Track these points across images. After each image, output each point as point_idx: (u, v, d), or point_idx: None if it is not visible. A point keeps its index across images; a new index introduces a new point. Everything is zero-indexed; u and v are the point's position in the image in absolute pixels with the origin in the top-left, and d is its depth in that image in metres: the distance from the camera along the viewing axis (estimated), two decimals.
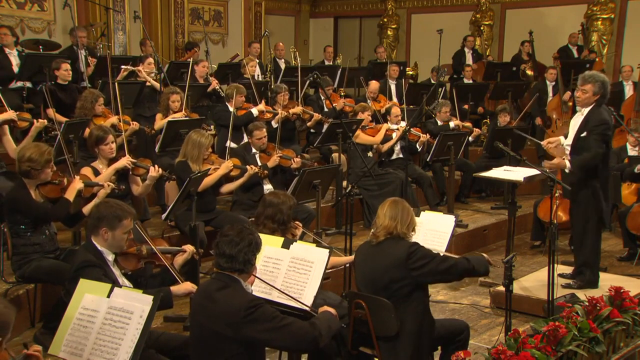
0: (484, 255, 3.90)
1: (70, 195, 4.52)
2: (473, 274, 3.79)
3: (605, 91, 5.11)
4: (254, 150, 6.26)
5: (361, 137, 7.37)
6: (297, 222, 4.38)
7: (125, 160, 5.11)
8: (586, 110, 5.15)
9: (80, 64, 7.90)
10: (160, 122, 6.65)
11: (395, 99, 9.54)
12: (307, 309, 3.40)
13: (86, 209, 4.53)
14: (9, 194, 4.40)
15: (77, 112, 6.17)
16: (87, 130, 5.75)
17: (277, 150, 6.33)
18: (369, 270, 3.67)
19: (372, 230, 3.78)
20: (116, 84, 6.23)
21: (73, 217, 4.59)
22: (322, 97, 8.40)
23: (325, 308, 3.36)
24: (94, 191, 4.73)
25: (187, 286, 3.56)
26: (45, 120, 5.68)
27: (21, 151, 4.44)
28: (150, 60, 7.77)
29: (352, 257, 4.25)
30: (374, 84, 8.99)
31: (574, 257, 5.63)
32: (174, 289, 3.52)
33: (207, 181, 5.51)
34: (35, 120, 5.64)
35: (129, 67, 7.59)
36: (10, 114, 5.59)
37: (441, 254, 3.72)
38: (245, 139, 6.61)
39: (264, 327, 2.94)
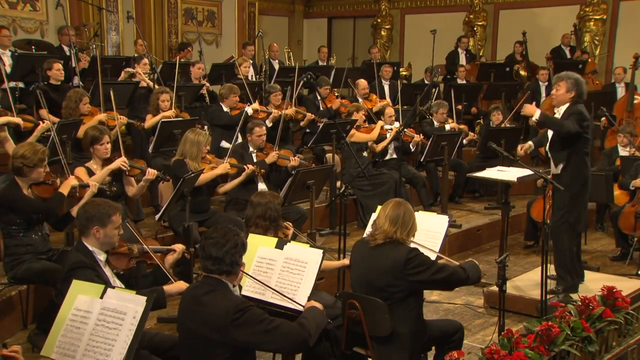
0: (475, 261, 3.82)
1: (64, 189, 4.51)
2: (467, 283, 3.74)
3: (580, 89, 5.19)
4: (251, 148, 6.26)
5: (357, 135, 7.36)
6: (287, 223, 4.38)
7: (120, 161, 5.09)
8: (563, 109, 5.26)
9: (72, 63, 7.85)
10: (150, 120, 6.62)
11: (388, 100, 9.55)
12: (301, 308, 3.38)
13: (74, 211, 4.48)
14: (0, 193, 4.37)
15: (62, 112, 6.15)
16: (82, 128, 5.75)
17: (275, 148, 6.37)
18: (365, 271, 3.65)
19: (370, 229, 3.76)
20: (101, 84, 6.22)
21: (62, 219, 4.56)
22: (318, 98, 8.41)
23: (312, 303, 3.32)
24: (82, 193, 4.70)
25: (180, 285, 3.53)
26: (49, 122, 5.66)
27: (15, 149, 4.47)
28: (146, 60, 7.78)
29: (346, 261, 4.18)
30: (362, 82, 9.00)
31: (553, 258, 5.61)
32: (167, 288, 3.50)
33: (203, 178, 5.51)
34: (40, 122, 5.63)
35: (130, 69, 7.59)
36: (17, 119, 5.61)
37: (439, 262, 3.68)
38: (240, 139, 6.61)
39: (252, 330, 2.90)
